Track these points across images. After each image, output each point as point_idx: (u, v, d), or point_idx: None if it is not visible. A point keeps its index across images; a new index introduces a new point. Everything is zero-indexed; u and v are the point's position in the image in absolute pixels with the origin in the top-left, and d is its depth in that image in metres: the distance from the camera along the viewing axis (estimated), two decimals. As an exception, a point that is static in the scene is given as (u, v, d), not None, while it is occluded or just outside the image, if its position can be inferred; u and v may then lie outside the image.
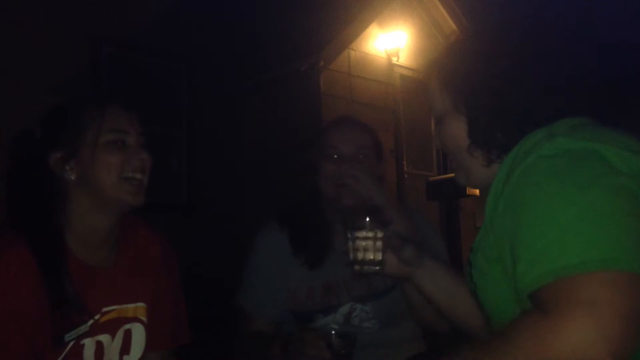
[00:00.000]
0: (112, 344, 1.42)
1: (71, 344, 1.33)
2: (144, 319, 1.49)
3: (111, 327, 1.41)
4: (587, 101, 1.10)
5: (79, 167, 1.38)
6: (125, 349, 1.45)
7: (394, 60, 6.64)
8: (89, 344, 1.36)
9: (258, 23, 6.67)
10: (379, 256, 1.39)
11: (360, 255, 1.39)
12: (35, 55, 5.22)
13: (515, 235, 0.95)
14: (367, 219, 1.39)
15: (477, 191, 6.55)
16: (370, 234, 1.38)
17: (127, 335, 1.46)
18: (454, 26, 6.97)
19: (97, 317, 1.38)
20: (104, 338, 1.40)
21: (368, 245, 1.38)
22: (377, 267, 1.40)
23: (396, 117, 6.65)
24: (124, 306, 1.45)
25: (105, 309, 1.41)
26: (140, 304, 1.48)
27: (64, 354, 1.32)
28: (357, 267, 1.40)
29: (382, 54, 6.65)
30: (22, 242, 1.29)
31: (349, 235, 1.40)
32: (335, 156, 1.80)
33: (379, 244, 1.38)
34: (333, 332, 1.49)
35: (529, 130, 1.05)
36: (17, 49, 5.17)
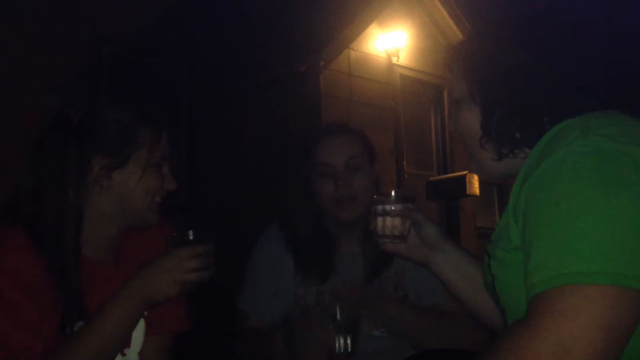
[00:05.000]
0: None
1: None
2: (144, 312, 1.49)
3: None
4: (613, 99, 1.04)
5: (119, 178, 1.41)
6: (125, 342, 1.46)
7: (394, 60, 6.64)
8: None
9: (258, 23, 6.66)
10: (403, 229, 1.38)
11: (383, 230, 1.37)
12: (36, 55, 5.23)
13: (532, 228, 0.92)
14: (393, 193, 1.39)
15: (477, 191, 6.55)
16: (393, 207, 1.37)
17: None
18: (454, 26, 6.96)
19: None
20: None
21: (391, 218, 1.37)
22: (400, 241, 1.38)
23: (396, 117, 6.64)
24: None
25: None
26: None
27: None
28: (380, 242, 1.40)
29: (382, 54, 6.64)
30: (27, 238, 1.32)
31: (373, 210, 1.39)
32: (328, 172, 1.79)
33: (401, 217, 1.37)
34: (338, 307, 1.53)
35: (548, 128, 1.01)
36: (18, 49, 5.18)
